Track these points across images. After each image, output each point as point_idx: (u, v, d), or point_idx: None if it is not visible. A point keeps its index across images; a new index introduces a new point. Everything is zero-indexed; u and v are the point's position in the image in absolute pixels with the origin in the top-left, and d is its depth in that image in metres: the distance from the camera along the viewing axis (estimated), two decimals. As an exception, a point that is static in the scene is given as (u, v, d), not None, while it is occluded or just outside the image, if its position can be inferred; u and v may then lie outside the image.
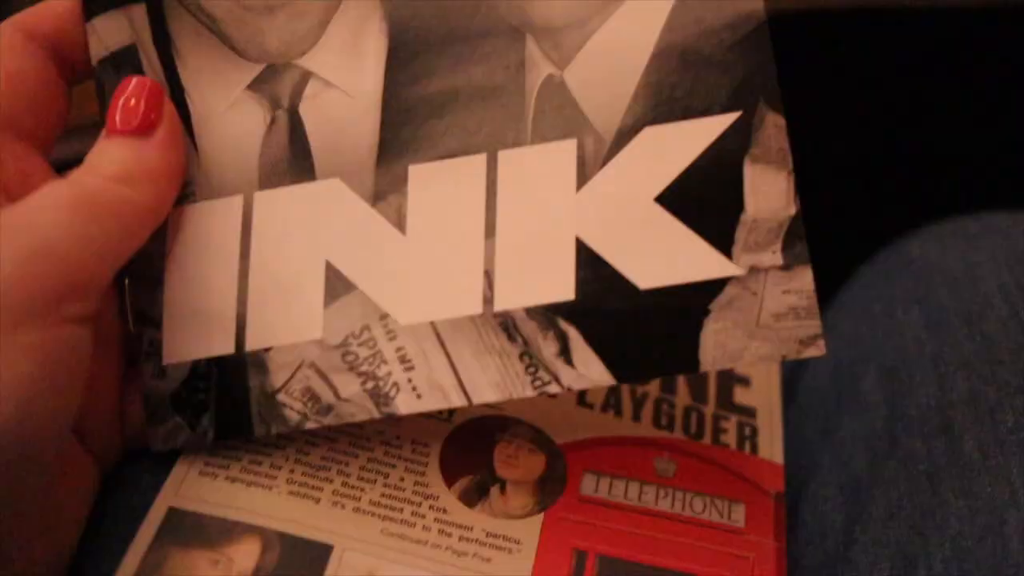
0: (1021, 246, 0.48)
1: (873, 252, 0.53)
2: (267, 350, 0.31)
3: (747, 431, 0.37)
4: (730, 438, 0.36)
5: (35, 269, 0.27)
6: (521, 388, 0.30)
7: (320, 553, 0.29)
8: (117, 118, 0.30)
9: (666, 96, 0.30)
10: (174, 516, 0.30)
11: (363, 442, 0.32)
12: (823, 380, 0.43)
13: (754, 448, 0.36)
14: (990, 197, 0.54)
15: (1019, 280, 0.46)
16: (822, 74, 0.67)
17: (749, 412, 0.37)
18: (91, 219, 0.28)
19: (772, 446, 0.37)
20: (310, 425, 0.31)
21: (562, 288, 0.30)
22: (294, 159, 0.32)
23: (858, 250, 0.53)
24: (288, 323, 0.31)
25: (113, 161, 0.29)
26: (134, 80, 0.31)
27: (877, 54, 0.69)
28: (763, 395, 0.39)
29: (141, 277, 0.31)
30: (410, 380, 0.30)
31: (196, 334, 0.31)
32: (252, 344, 0.31)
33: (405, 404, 0.31)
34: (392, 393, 0.31)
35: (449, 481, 0.32)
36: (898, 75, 0.69)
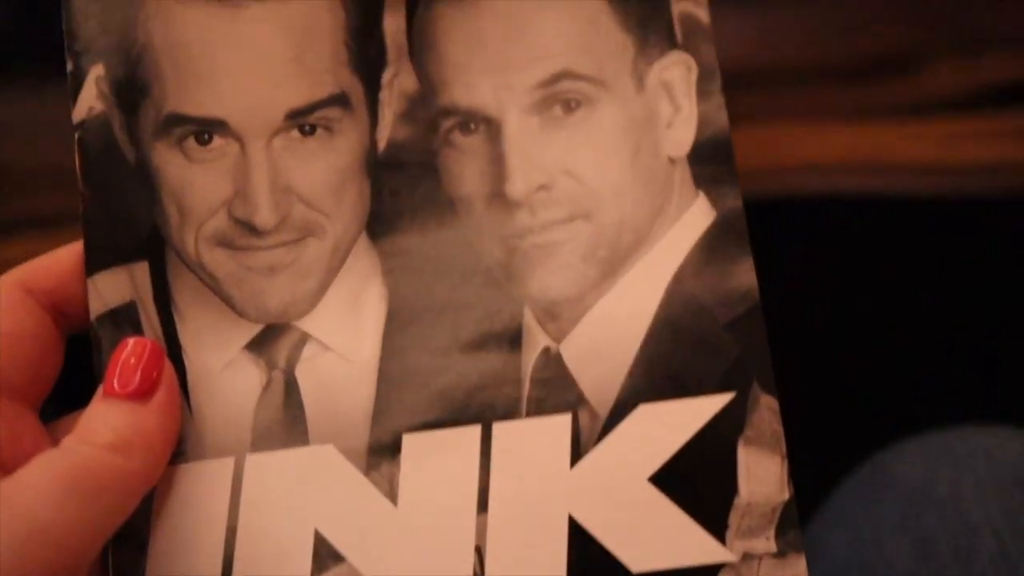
0: (1005, 471, 0.48)
1: (856, 454, 0.53)
2: (251, 620, 0.30)
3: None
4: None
5: (27, 556, 0.26)
6: (510, 672, 0.30)
7: None
8: (115, 381, 0.30)
9: (661, 373, 0.31)
10: None
11: None
12: (814, 613, 0.43)
13: None
14: (968, 408, 0.54)
15: (1006, 510, 0.45)
16: (805, 265, 0.68)
17: None
18: (85, 497, 0.28)
19: None
20: None
21: (553, 568, 0.30)
22: (288, 422, 0.31)
23: (840, 453, 0.53)
24: None
25: (108, 426, 0.29)
26: (133, 341, 0.31)
27: (854, 242, 0.71)
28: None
29: (126, 540, 0.31)
30: (396, 660, 0.30)
31: None
32: (236, 613, 0.30)
33: None
34: (377, 673, 0.30)
35: None
36: (880, 275, 0.70)
